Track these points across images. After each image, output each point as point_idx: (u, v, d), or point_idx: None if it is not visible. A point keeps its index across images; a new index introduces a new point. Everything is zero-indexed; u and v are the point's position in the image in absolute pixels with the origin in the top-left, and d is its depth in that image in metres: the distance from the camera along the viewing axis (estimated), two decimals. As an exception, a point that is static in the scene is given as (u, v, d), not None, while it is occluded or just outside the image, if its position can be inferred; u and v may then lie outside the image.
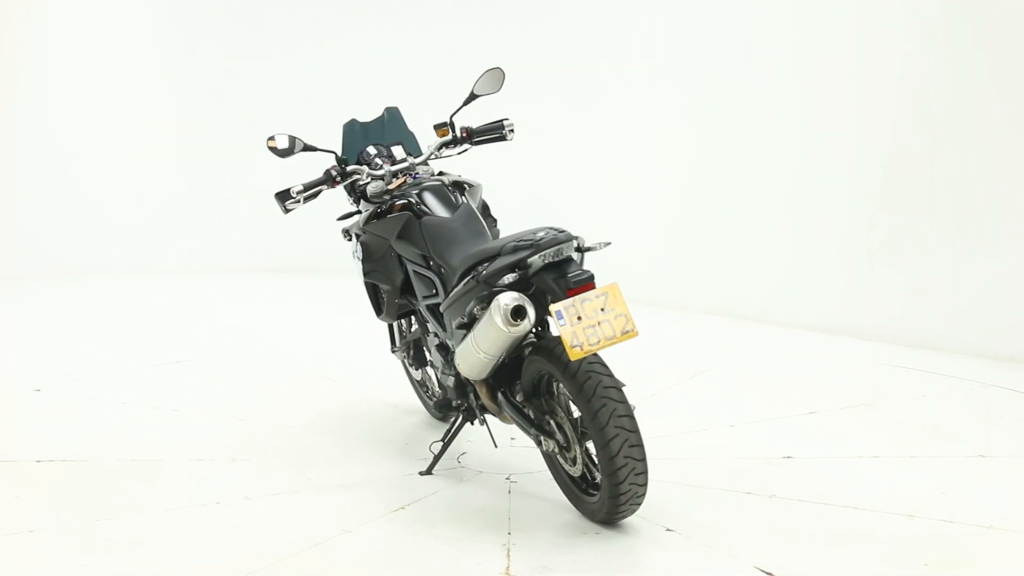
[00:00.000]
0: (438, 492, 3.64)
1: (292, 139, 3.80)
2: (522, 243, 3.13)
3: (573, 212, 8.43)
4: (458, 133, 4.02)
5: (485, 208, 4.14)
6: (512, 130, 4.06)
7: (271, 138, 3.77)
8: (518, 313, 3.00)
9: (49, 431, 4.41)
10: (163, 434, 4.39)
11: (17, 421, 4.63)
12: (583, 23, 8.48)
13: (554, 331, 3.15)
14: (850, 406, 4.73)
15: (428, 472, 3.83)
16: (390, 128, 4.25)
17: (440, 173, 4.11)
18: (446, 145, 4.02)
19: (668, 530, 3.22)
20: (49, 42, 9.46)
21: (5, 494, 3.63)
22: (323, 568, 2.95)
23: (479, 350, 3.20)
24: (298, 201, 3.78)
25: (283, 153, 3.78)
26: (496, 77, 4.01)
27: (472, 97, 4.03)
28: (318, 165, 4.22)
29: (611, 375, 3.06)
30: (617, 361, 5.08)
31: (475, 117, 4.30)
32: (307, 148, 3.82)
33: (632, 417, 3.02)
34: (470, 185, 4.06)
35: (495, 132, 4.05)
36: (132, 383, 5.24)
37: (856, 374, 5.47)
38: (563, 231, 3.12)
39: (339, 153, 3.96)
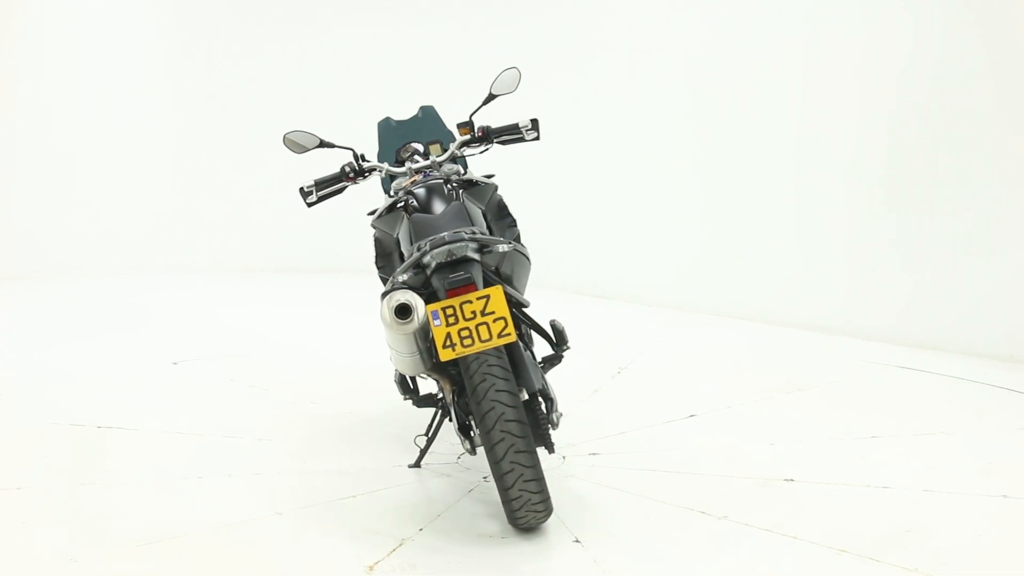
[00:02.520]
0: (404, 485, 3.81)
1: (309, 136, 3.98)
2: (423, 243, 3.20)
3: (575, 213, 8.70)
4: (476, 132, 4.07)
5: (500, 208, 4.19)
6: (530, 130, 4.06)
7: (287, 134, 3.97)
8: (402, 311, 3.07)
9: (135, 402, 5.02)
10: (213, 412, 4.84)
11: (129, 392, 5.24)
12: (584, 23, 8.64)
13: None
14: (924, 433, 4.37)
15: (416, 465, 3.97)
16: (426, 126, 4.38)
17: (464, 171, 4.18)
18: (467, 144, 4.09)
19: (576, 541, 3.22)
20: (49, 42, 9.87)
21: (37, 453, 4.13)
22: (209, 545, 3.19)
23: (390, 347, 3.30)
24: (312, 195, 3.95)
25: (299, 149, 3.96)
26: (512, 77, 4.05)
27: (490, 97, 4.10)
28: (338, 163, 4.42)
29: (509, 379, 3.07)
30: (706, 374, 4.99)
31: (505, 116, 4.34)
32: (324, 145, 3.99)
33: (522, 423, 3.04)
34: (483, 184, 4.11)
35: (512, 132, 4.07)
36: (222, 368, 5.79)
37: (935, 396, 5.22)
38: (458, 232, 3.15)
39: (356, 150, 4.10)
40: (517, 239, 4.32)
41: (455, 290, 3.10)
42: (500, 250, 3.26)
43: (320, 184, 4.00)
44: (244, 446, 4.30)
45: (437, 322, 3.04)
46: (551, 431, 3.36)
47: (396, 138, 4.38)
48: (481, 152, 4.21)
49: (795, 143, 7.16)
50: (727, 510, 3.45)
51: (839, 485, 3.71)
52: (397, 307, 3.11)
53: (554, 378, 5.36)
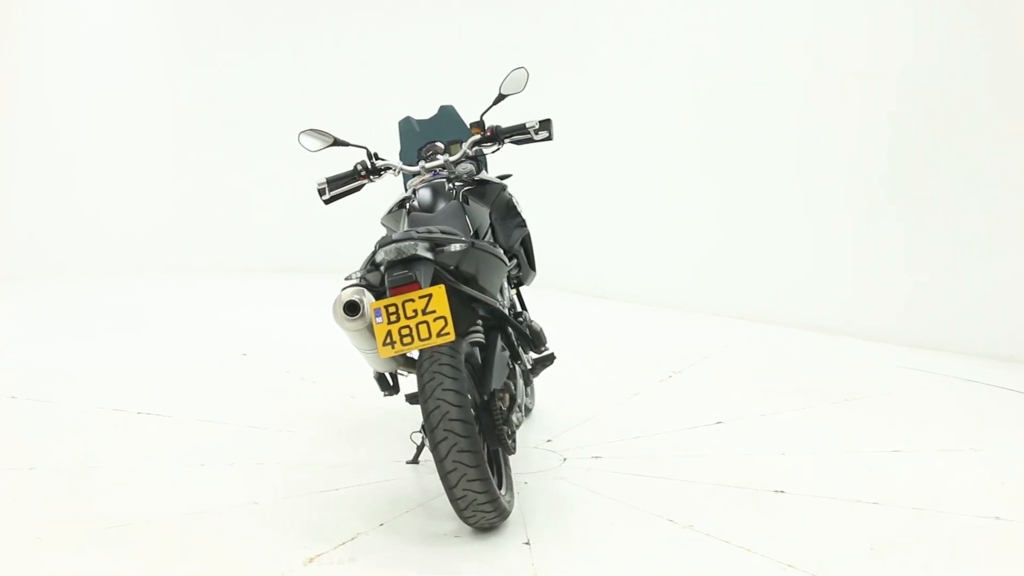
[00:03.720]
0: (393, 480, 3.88)
1: (323, 134, 4.07)
2: (378, 241, 3.25)
3: (576, 214, 8.75)
4: (486, 132, 4.10)
5: (508, 208, 4.21)
6: (539, 130, 4.07)
7: (302, 132, 4.06)
8: (351, 308, 3.12)
9: (192, 390, 5.32)
10: (254, 402, 5.00)
11: (178, 382, 5.51)
12: (584, 22, 8.74)
13: None
14: (949, 449, 4.17)
15: (414, 461, 4.01)
16: (447, 125, 4.42)
17: (479, 171, 4.21)
18: (479, 144, 4.12)
19: (525, 543, 3.23)
20: (49, 42, 9.88)
21: (63, 436, 4.38)
22: (167, 532, 3.32)
23: (352, 344, 3.35)
24: (324, 192, 4.04)
25: (314, 147, 4.05)
26: (520, 77, 4.09)
27: (500, 97, 4.13)
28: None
29: (458, 378, 3.07)
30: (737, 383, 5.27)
31: (520, 116, 4.35)
32: (338, 143, 4.08)
33: (467, 423, 3.04)
34: (492, 183, 4.13)
35: (521, 132, 4.09)
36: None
37: (976, 409, 5.02)
38: (409, 231, 3.18)
39: (370, 148, 4.15)
40: (525, 240, 4.33)
41: (398, 288, 3.12)
42: (452, 249, 3.25)
43: (332, 182, 4.09)
44: (263, 436, 4.45)
45: (379, 320, 3.08)
46: (510, 432, 3.35)
47: (417, 137, 4.44)
48: (493, 151, 4.23)
49: (796, 144, 7.25)
50: (697, 519, 3.38)
51: (828, 499, 3.58)
52: (345, 304, 3.16)
53: (602, 378, 5.36)
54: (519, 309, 4.30)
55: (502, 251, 3.69)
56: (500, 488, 3.38)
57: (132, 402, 4.94)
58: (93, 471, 3.93)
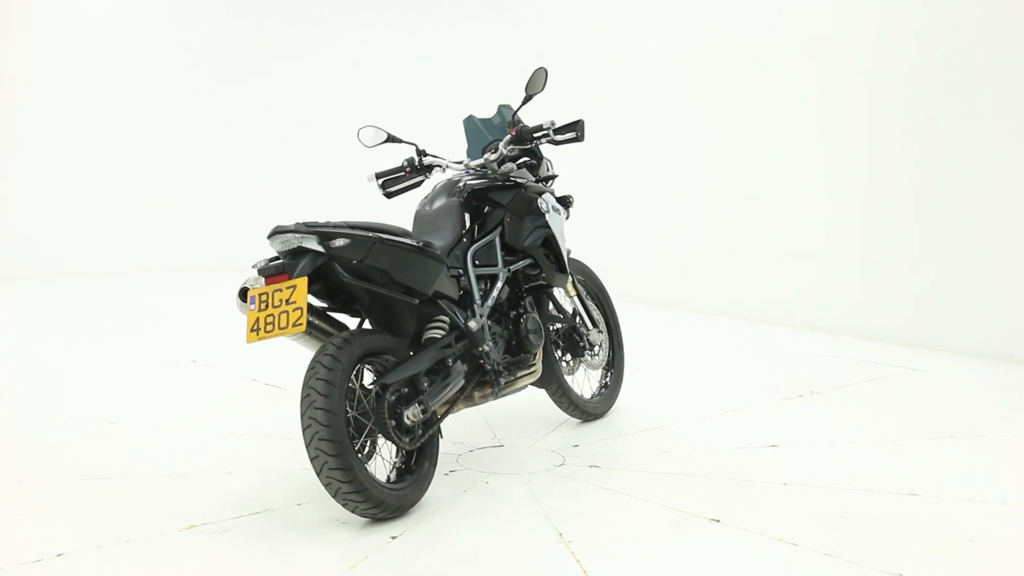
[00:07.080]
0: (373, 472, 3.94)
1: (378, 131, 4.28)
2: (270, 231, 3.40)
3: (580, 215, 8.04)
4: (514, 133, 4.13)
5: (529, 206, 4.18)
6: (556, 130, 4.04)
7: (361, 129, 4.29)
8: (244, 294, 3.30)
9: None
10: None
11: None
12: (586, 25, 8.68)
13: None
14: (972, 500, 3.59)
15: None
16: (507, 123, 4.43)
17: (518, 170, 4.24)
18: (513, 144, 4.16)
19: (392, 537, 3.25)
20: (52, 43, 9.75)
21: (179, 396, 4.94)
22: (125, 488, 3.71)
23: None
24: (378, 186, 4.27)
25: (370, 142, 4.27)
26: (540, 76, 4.08)
27: (527, 97, 4.14)
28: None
29: (334, 368, 3.17)
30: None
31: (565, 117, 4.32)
32: (391, 139, 4.27)
33: (331, 413, 3.13)
34: (516, 183, 4.14)
35: (542, 132, 4.07)
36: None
37: None
38: (298, 223, 3.29)
39: (418, 145, 4.29)
40: (546, 241, 4.24)
41: (270, 278, 3.24)
42: (336, 243, 3.29)
43: (383, 179, 4.29)
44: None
45: (252, 307, 3.22)
46: (398, 426, 3.36)
47: (480, 135, 4.50)
48: (524, 150, 4.22)
49: (800, 145, 7.20)
50: (585, 537, 3.25)
51: (752, 534, 3.28)
52: (240, 290, 3.33)
53: (710, 391, 5.15)
54: (529, 310, 4.22)
55: (437, 250, 3.66)
56: (402, 480, 3.41)
57: (258, 371, 5.43)
58: (156, 429, 4.43)
